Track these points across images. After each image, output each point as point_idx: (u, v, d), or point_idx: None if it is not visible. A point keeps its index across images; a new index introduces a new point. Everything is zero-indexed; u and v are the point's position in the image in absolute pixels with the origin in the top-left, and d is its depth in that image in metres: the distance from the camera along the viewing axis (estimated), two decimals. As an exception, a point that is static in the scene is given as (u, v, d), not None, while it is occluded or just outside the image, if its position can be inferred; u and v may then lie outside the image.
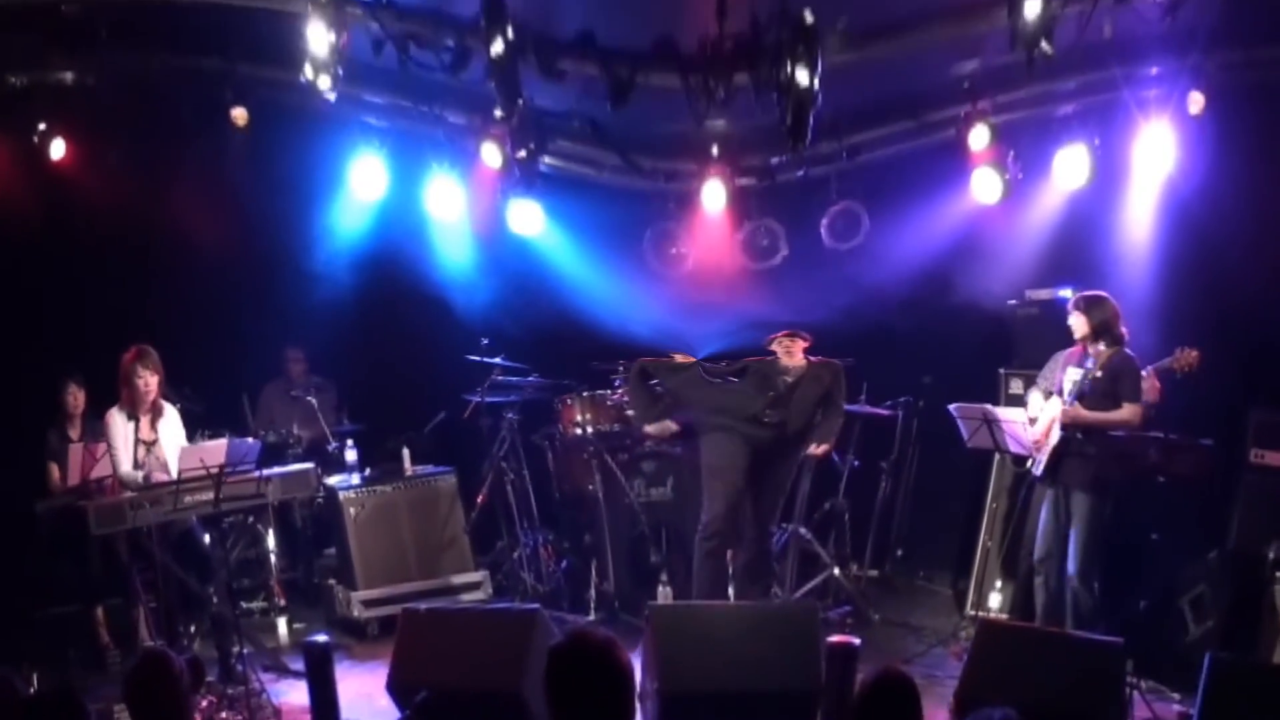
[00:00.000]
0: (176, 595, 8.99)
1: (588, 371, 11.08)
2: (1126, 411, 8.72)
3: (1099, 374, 8.85)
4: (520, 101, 9.50)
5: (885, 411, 11.15)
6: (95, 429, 9.66)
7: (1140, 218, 10.32)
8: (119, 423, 9.01)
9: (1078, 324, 8.98)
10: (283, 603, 10.96)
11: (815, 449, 9.68)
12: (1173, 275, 9.91)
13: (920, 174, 11.02)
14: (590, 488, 10.48)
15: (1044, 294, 10.58)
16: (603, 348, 11.21)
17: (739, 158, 11.06)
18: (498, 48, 8.85)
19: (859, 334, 10.65)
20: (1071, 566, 8.68)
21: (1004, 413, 9.69)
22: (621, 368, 10.65)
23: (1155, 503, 8.92)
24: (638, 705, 5.79)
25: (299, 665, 8.61)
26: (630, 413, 10.41)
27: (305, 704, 7.88)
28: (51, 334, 11.06)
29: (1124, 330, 8.84)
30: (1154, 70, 9.86)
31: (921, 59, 10.01)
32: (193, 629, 9.30)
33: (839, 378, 9.67)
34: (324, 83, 9.20)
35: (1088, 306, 8.93)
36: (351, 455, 11.06)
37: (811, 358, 9.59)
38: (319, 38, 9.03)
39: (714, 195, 11.02)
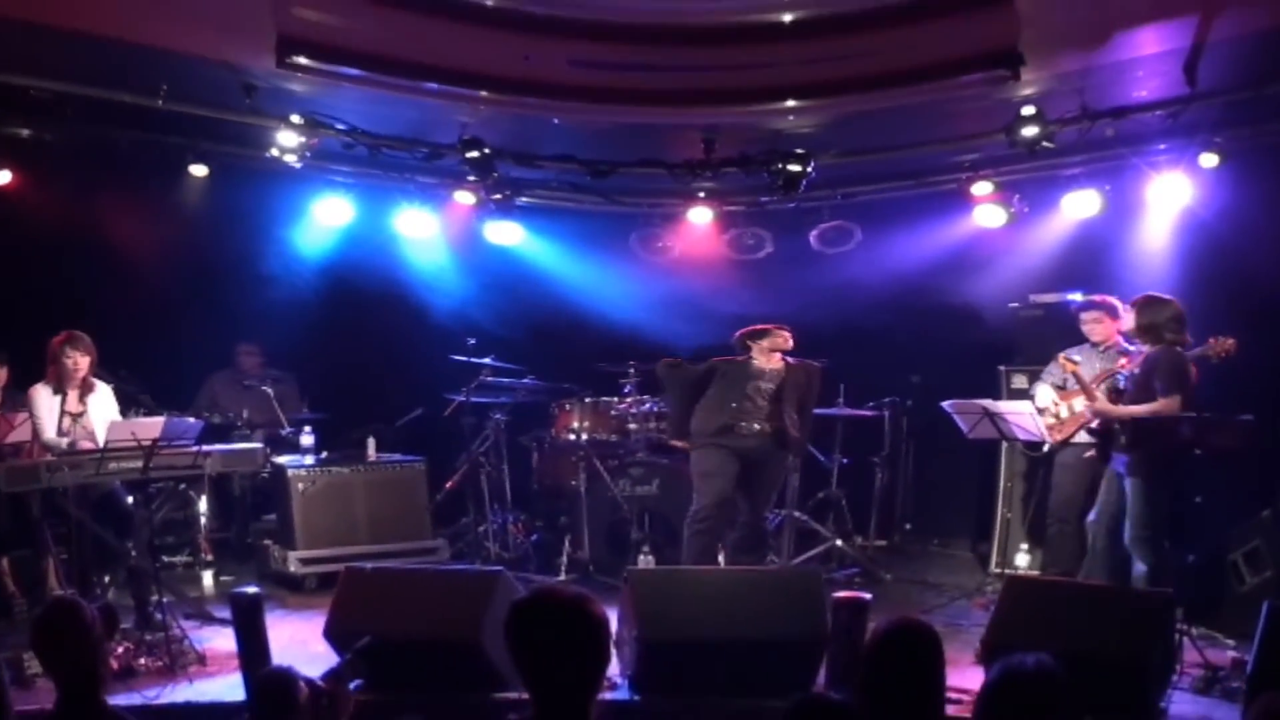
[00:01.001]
0: (91, 549, 8.57)
1: (591, 373, 10.51)
2: (1159, 404, 8.30)
3: (1134, 370, 8.63)
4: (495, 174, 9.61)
5: (868, 413, 10.61)
6: (15, 400, 9.55)
7: (1156, 233, 10.00)
8: (44, 396, 9.08)
9: (1126, 321, 8.75)
10: (209, 558, 10.33)
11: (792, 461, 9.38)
12: (1197, 277, 9.50)
13: (919, 210, 10.66)
14: (573, 483, 9.95)
15: (1049, 297, 10.33)
16: (599, 346, 10.78)
17: (727, 196, 10.79)
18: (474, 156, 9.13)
19: (839, 333, 10.22)
20: (1126, 537, 8.21)
21: (1006, 405, 9.36)
22: (631, 369, 10.14)
23: (1199, 469, 8.69)
24: (614, 652, 5.60)
25: (225, 614, 7.98)
26: (634, 426, 10.02)
27: (232, 650, 7.41)
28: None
29: (1185, 335, 8.38)
30: (1162, 146, 9.80)
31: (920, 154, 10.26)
32: (106, 580, 8.78)
33: (814, 380, 9.12)
34: (290, 159, 9.55)
35: (1141, 306, 8.52)
36: (308, 440, 10.34)
37: (789, 359, 9.00)
38: (289, 139, 9.45)
39: (701, 216, 10.74)
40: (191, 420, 9.04)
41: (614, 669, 6.82)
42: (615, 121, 9.09)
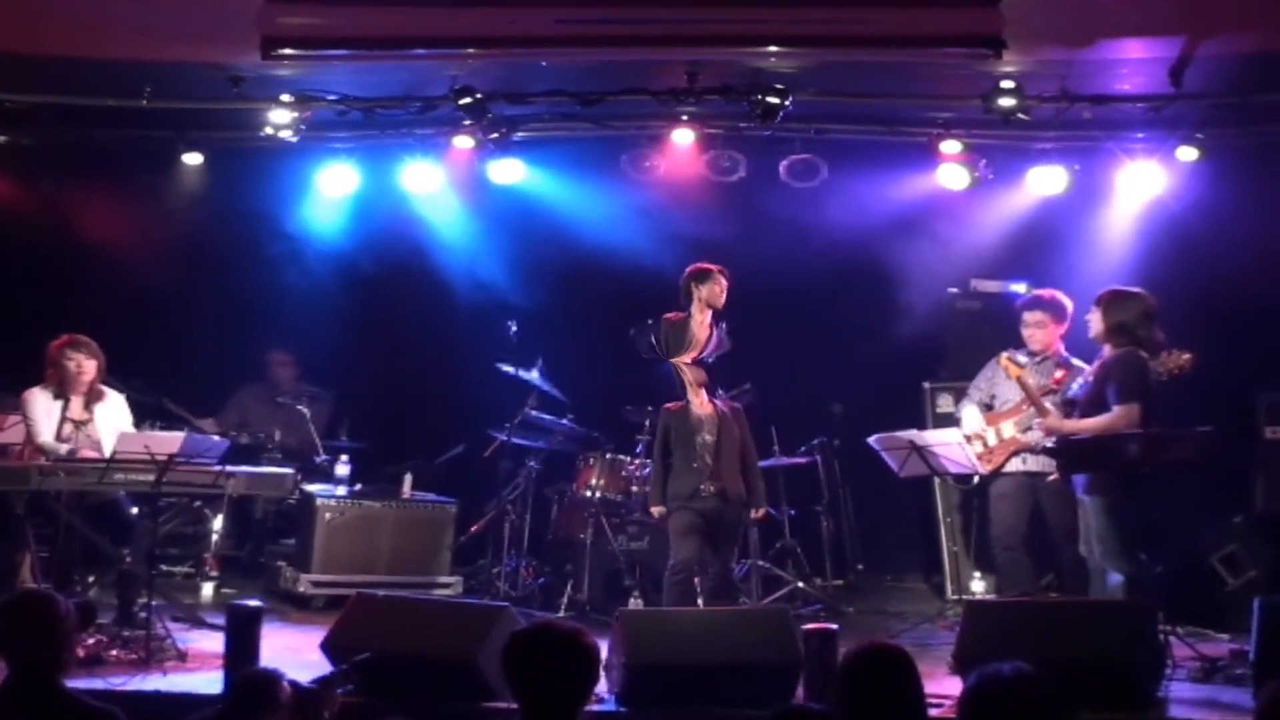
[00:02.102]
0: (77, 549, 7.13)
1: (619, 419, 9.10)
2: (1114, 415, 6.70)
3: (1089, 378, 6.92)
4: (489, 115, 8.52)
5: (802, 460, 9.16)
6: (7, 404, 7.91)
7: (1120, 220, 8.69)
8: (40, 399, 7.47)
9: (1093, 321, 7.01)
10: (215, 573, 8.64)
11: (756, 513, 8.07)
12: (1157, 272, 8.01)
13: (886, 157, 9.14)
14: (581, 536, 8.83)
15: (992, 285, 8.74)
16: (611, 294, 9.29)
17: (709, 120, 9.35)
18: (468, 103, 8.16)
19: (768, 347, 8.85)
20: (1098, 554, 6.89)
21: (933, 435, 7.67)
22: (648, 424, 8.75)
23: (1157, 484, 7.01)
24: (603, 675, 5.08)
25: (219, 621, 6.46)
26: (636, 489, 8.90)
27: (217, 651, 6.04)
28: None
29: (1156, 334, 6.88)
30: (1140, 135, 8.45)
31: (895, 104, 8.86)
32: (90, 579, 7.34)
33: (743, 424, 7.89)
34: (285, 134, 8.30)
35: (1108, 303, 6.89)
36: (343, 470, 8.62)
37: (715, 400, 7.76)
38: (282, 117, 8.21)
39: (683, 138, 9.33)
40: (216, 438, 7.48)
41: (602, 687, 5.82)
42: (602, 60, 8.01)
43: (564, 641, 3.75)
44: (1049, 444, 7.21)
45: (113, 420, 7.56)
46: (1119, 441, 6.69)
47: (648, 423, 8.90)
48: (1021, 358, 7.48)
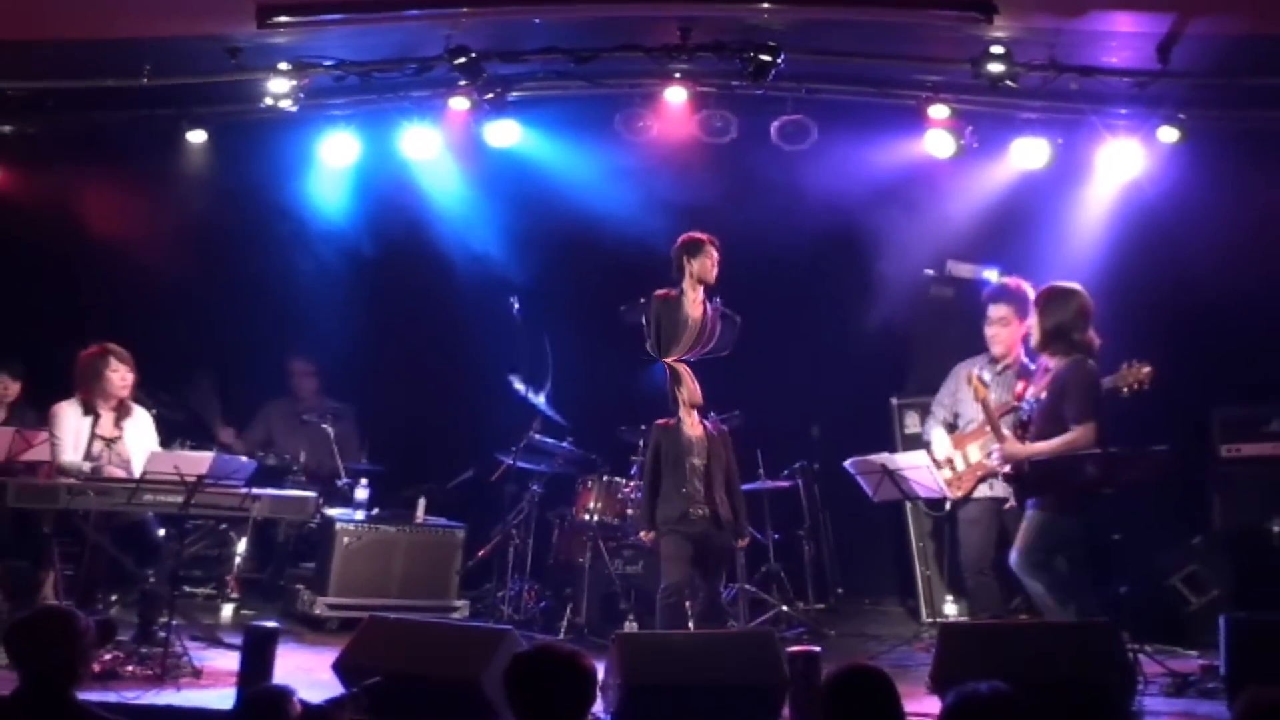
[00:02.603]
0: (102, 569, 6.57)
1: (614, 440, 8.62)
2: (1074, 435, 6.08)
3: (1042, 395, 6.23)
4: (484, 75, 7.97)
5: (785, 484, 8.75)
6: (28, 418, 7.42)
7: (1097, 205, 8.17)
8: (69, 415, 6.78)
9: (1031, 326, 6.40)
10: (236, 595, 8.22)
11: (740, 543, 7.64)
12: (1126, 265, 7.74)
13: (877, 116, 8.63)
14: (580, 560, 8.50)
15: (966, 270, 8.10)
16: (607, 265, 8.74)
17: (701, 78, 8.76)
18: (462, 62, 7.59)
19: (741, 375, 7.99)
20: (1012, 563, 6.37)
21: (904, 459, 7.13)
22: (641, 444, 8.28)
23: (1112, 506, 6.44)
24: (599, 695, 4.81)
25: (236, 641, 6.02)
26: (631, 512, 8.50)
27: (232, 669, 5.63)
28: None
29: (1091, 336, 6.23)
30: (1124, 111, 7.85)
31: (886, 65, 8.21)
32: (114, 598, 6.88)
33: (729, 447, 7.43)
34: (285, 104, 7.78)
35: (1045, 303, 6.26)
36: (362, 494, 8.20)
37: (705, 423, 7.30)
38: (281, 85, 7.69)
39: (676, 96, 8.73)
40: (244, 460, 6.86)
41: (599, 708, 5.62)
42: (595, 16, 7.52)
43: (563, 663, 3.69)
44: (1007, 470, 6.56)
45: (142, 438, 7.01)
46: (1077, 463, 6.11)
47: (641, 443, 8.41)
48: (986, 375, 6.88)
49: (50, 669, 3.86)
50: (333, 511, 8.10)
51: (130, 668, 5.89)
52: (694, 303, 7.19)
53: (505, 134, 8.77)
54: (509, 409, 8.39)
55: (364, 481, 8.31)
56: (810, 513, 9.01)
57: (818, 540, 9.15)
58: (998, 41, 7.15)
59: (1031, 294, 6.63)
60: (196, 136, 8.33)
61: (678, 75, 8.54)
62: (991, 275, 7.56)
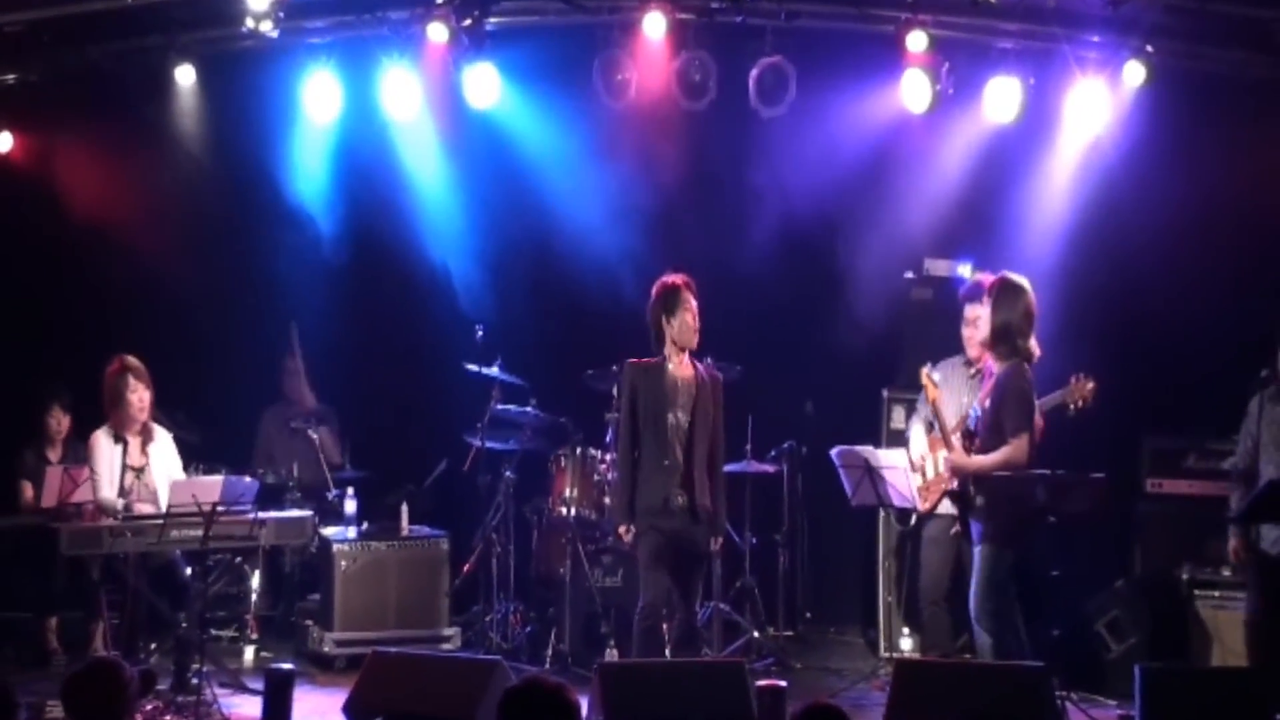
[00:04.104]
0: (143, 616, 6.94)
1: (582, 390, 8.52)
2: (1009, 449, 6.03)
3: (986, 404, 6.19)
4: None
5: (770, 469, 8.75)
6: (79, 452, 7.50)
7: (1060, 179, 8.28)
8: (105, 446, 6.87)
9: (980, 319, 6.36)
10: (255, 635, 8.69)
11: (715, 545, 7.39)
12: (1074, 283, 7.82)
13: (855, 52, 8.59)
14: (560, 571, 8.69)
15: (942, 267, 8.19)
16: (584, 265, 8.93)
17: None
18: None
19: (741, 334, 8.48)
20: (972, 608, 6.39)
21: (885, 457, 7.21)
22: (614, 390, 7.94)
23: (1050, 541, 6.63)
24: None
25: (258, 685, 6.59)
26: (608, 501, 8.40)
27: (257, 716, 6.07)
28: (22, 343, 8.68)
29: (1033, 343, 6.16)
30: (1095, 39, 7.95)
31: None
32: (154, 647, 7.28)
33: (719, 397, 7.02)
34: (266, 27, 7.71)
35: (998, 296, 6.13)
36: (351, 506, 8.68)
37: (698, 364, 6.95)
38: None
39: (654, 24, 8.61)
40: (248, 480, 7.15)
41: None
42: None
43: (549, 699, 3.83)
44: (953, 487, 6.52)
45: (165, 465, 7.13)
46: (1028, 485, 6.00)
47: (615, 390, 8.00)
48: (937, 374, 6.90)
49: None
50: (328, 532, 8.62)
51: (168, 718, 6.42)
52: (681, 364, 6.92)
53: (485, 88, 8.76)
54: (472, 390, 8.68)
55: (350, 492, 8.81)
56: (790, 513, 9.12)
57: (793, 549, 9.31)
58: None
59: None
60: (185, 75, 8.53)
61: None
62: (965, 270, 7.67)
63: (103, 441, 6.95)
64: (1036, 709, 5.71)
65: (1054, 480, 6.00)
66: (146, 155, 8.72)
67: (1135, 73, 7.77)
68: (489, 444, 8.80)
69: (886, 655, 8.30)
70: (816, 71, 8.59)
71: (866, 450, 7.25)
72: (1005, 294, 6.15)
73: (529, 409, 8.78)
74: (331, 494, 9.06)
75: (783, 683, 6.11)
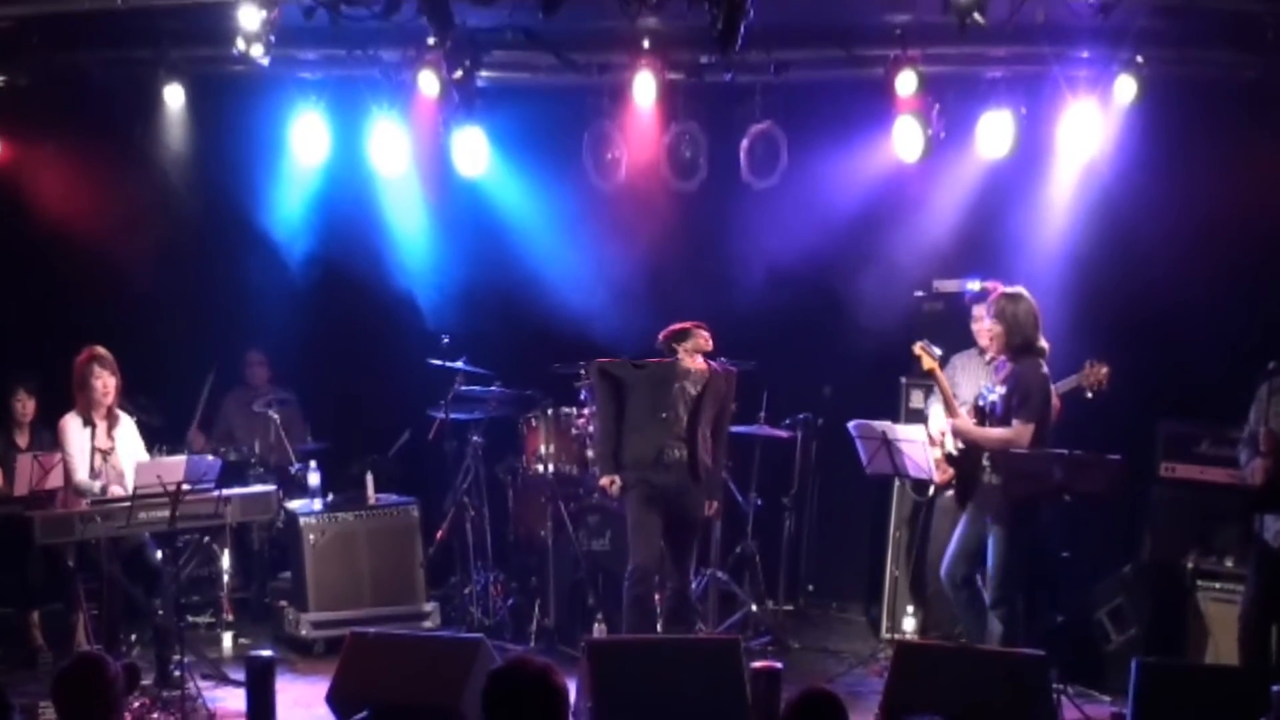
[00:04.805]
0: (121, 605, 7.46)
1: (551, 376, 9.10)
2: (1011, 431, 6.92)
3: (1001, 390, 7.10)
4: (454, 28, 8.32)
5: (784, 434, 9.21)
6: (45, 439, 8.07)
7: (1058, 200, 8.76)
8: (75, 429, 7.48)
9: (991, 327, 7.14)
10: (230, 619, 9.19)
11: (709, 509, 7.95)
12: (1085, 267, 8.43)
13: (845, 107, 9.13)
14: (541, 533, 8.95)
15: (951, 285, 8.80)
16: (564, 325, 9.48)
17: (669, 52, 9.17)
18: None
19: (761, 325, 9.11)
20: (987, 598, 7.17)
21: (903, 431, 7.84)
22: (582, 371, 8.72)
23: (1063, 522, 7.34)
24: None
25: (239, 675, 7.18)
26: (590, 455, 8.67)
27: (241, 710, 6.70)
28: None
29: (1042, 340, 7.05)
30: (1085, 54, 8.41)
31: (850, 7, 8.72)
32: (134, 638, 7.85)
33: (732, 389, 7.81)
34: (257, 51, 8.07)
35: (1001, 307, 7.05)
36: (314, 479, 9.16)
37: (712, 362, 7.70)
38: (250, 16, 7.97)
39: (644, 88, 9.12)
40: (210, 459, 7.73)
41: None
42: None
43: (536, 684, 3.95)
44: (956, 449, 7.39)
45: (130, 447, 7.76)
46: (1046, 463, 6.79)
47: (582, 371, 8.76)
48: (938, 350, 7.67)
49: None
50: (294, 505, 9.11)
51: (155, 715, 6.99)
52: (693, 360, 7.74)
53: (474, 155, 9.45)
54: (437, 380, 9.23)
55: (313, 464, 9.33)
56: (800, 475, 9.54)
57: (800, 514, 9.69)
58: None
59: None
60: (175, 96, 9.07)
61: (647, 44, 8.97)
62: (974, 285, 8.34)
63: (72, 425, 7.56)
64: (1031, 701, 6.11)
65: (1070, 459, 6.70)
66: (129, 170, 9.29)
67: (1126, 88, 8.27)
68: (454, 415, 9.26)
69: (888, 637, 8.83)
70: (807, 133, 9.26)
71: (884, 424, 7.89)
72: (1007, 305, 7.06)
73: (494, 388, 9.30)
74: (294, 468, 9.61)
75: (778, 665, 6.52)
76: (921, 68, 8.61)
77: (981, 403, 7.29)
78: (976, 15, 7.53)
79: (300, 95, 9.33)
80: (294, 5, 7.86)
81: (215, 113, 9.36)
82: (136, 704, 6.90)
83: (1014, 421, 7.02)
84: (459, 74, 8.82)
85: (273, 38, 8.08)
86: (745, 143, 9.26)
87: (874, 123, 9.00)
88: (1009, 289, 7.23)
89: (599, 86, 9.43)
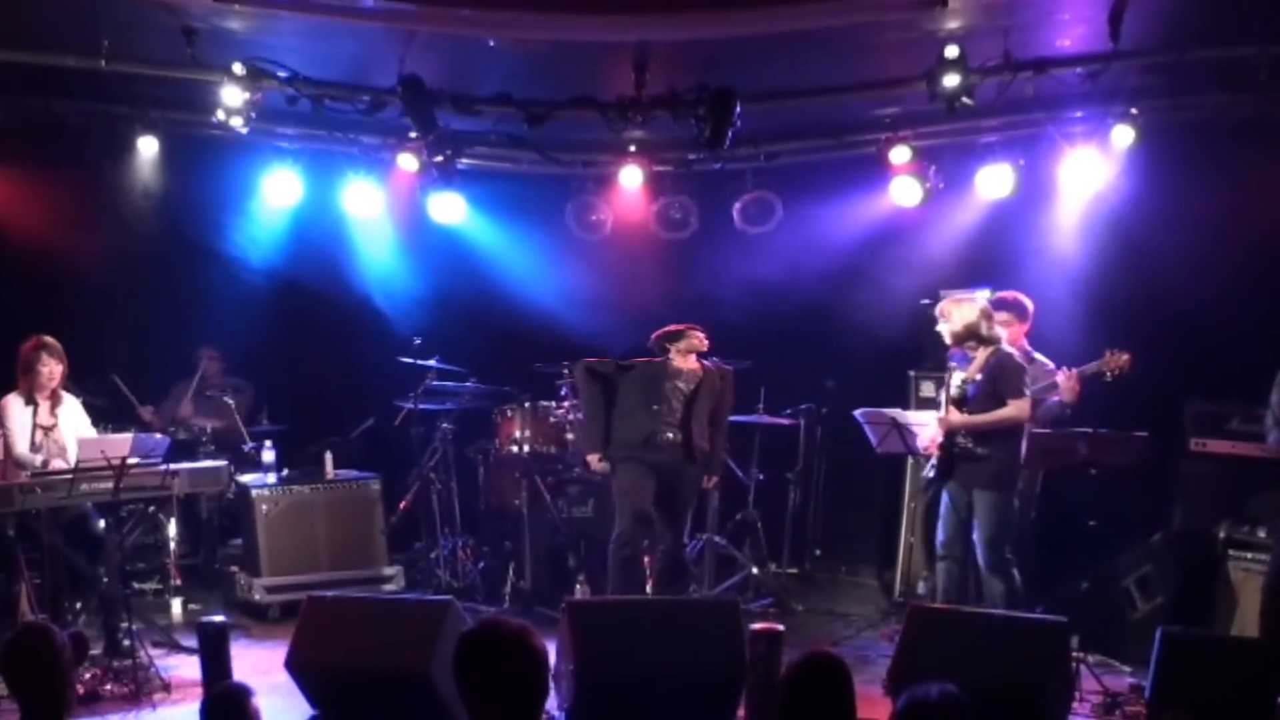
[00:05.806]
0: (63, 574, 8.08)
1: (530, 375, 9.86)
2: (1011, 409, 7.91)
3: (978, 377, 8.05)
4: (436, 129, 9.27)
5: (785, 421, 10.04)
6: None
7: (1066, 222, 9.57)
8: (15, 407, 8.35)
9: (943, 330, 8.18)
10: (178, 584, 9.78)
11: (708, 483, 8.62)
12: (1100, 275, 9.32)
13: (838, 178, 10.10)
14: (516, 502, 9.46)
15: (959, 294, 9.31)
16: (542, 342, 10.27)
17: (656, 151, 10.15)
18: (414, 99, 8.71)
19: (759, 333, 9.92)
20: (982, 562, 7.90)
21: (914, 416, 8.67)
22: (566, 370, 9.50)
23: (1091, 493, 7.99)
24: (551, 685, 5.36)
25: (191, 642, 7.82)
26: (571, 437, 9.37)
27: (196, 678, 7.30)
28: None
29: (997, 330, 8.06)
30: (1079, 114, 9.26)
31: (843, 105, 9.59)
32: (79, 606, 8.43)
33: (730, 386, 8.59)
34: (237, 123, 8.98)
35: (949, 311, 8.14)
36: (269, 456, 9.81)
37: (705, 361, 8.49)
38: (233, 95, 8.84)
39: (631, 178, 10.14)
40: (159, 437, 8.53)
41: (552, 702, 6.50)
42: (549, 39, 8.31)
43: (512, 646, 3.98)
44: (939, 440, 8.18)
45: (73, 423, 8.63)
46: (1069, 440, 7.79)
47: (566, 370, 9.47)
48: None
49: (44, 696, 4.87)
50: (246, 479, 9.77)
51: (108, 686, 7.58)
52: (686, 360, 8.55)
53: (450, 209, 10.34)
54: (403, 370, 9.93)
55: (268, 444, 10.01)
56: (805, 455, 10.32)
57: (806, 486, 10.40)
58: (951, 38, 8.29)
59: (1028, 303, 8.74)
60: (148, 146, 9.97)
61: (633, 149, 9.93)
62: (984, 294, 8.95)
63: (13, 403, 8.46)
64: (1049, 670, 6.41)
65: (1095, 437, 7.74)
66: (97, 202, 10.13)
67: (1124, 135, 9.17)
68: (424, 406, 9.90)
69: (901, 599, 9.39)
70: (801, 197, 10.16)
71: (893, 411, 8.68)
72: (954, 309, 8.10)
73: (469, 383, 9.99)
74: (248, 446, 10.29)
75: (780, 626, 6.85)
76: (914, 143, 9.56)
77: (965, 391, 8.12)
78: (965, 99, 8.41)
79: (276, 156, 10.17)
80: (277, 91, 8.73)
81: (188, 165, 10.11)
82: (88, 675, 7.51)
83: (1009, 402, 7.96)
84: (440, 159, 9.77)
85: (254, 114, 8.86)
86: (738, 205, 10.19)
87: (870, 184, 9.95)
88: (957, 295, 8.29)
89: (584, 176, 10.40)
